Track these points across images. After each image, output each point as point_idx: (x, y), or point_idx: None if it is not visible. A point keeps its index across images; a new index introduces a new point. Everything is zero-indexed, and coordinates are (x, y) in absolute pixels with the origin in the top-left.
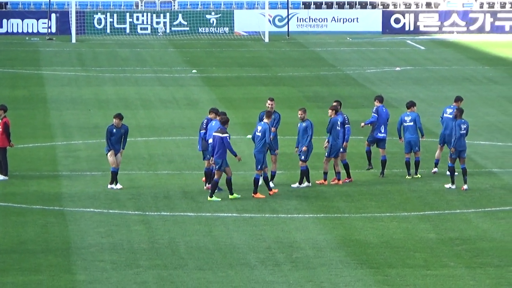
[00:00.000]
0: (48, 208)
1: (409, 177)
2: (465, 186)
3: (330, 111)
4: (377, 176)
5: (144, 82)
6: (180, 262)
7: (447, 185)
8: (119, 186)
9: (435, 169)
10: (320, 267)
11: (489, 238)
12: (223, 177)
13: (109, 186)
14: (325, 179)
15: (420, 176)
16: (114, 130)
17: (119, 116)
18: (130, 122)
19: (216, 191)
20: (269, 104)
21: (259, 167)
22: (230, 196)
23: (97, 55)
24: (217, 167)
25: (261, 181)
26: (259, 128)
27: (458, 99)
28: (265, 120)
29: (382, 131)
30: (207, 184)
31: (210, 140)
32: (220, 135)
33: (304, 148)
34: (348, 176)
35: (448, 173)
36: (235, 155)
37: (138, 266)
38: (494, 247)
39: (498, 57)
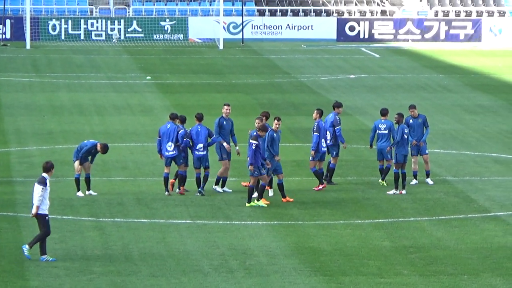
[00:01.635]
0: (1, 214)
1: (382, 182)
2: (403, 191)
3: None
4: (332, 184)
5: (99, 89)
6: (133, 268)
7: (391, 192)
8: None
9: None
10: (274, 274)
11: (443, 246)
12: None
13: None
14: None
15: (385, 184)
16: None
17: None
18: (84, 128)
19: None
20: (226, 110)
21: (279, 171)
22: (247, 204)
23: (52, 61)
24: (255, 173)
25: (272, 191)
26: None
27: (413, 107)
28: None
29: (324, 144)
30: (176, 189)
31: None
32: (254, 142)
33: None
34: (321, 182)
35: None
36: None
37: (92, 272)
38: (448, 255)
39: (452, 65)
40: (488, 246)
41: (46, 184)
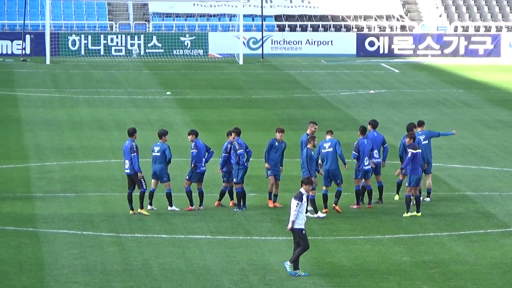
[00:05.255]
0: (21, 229)
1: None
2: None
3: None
4: (351, 199)
5: (118, 104)
6: (153, 284)
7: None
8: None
9: (427, 198)
10: None
11: (463, 261)
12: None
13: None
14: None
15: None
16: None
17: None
18: (103, 144)
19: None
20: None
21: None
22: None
23: (71, 76)
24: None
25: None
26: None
27: (422, 123)
28: (308, 146)
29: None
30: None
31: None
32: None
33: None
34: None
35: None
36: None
37: (112, 287)
38: (468, 270)
39: (472, 80)
40: (508, 261)
41: (302, 199)
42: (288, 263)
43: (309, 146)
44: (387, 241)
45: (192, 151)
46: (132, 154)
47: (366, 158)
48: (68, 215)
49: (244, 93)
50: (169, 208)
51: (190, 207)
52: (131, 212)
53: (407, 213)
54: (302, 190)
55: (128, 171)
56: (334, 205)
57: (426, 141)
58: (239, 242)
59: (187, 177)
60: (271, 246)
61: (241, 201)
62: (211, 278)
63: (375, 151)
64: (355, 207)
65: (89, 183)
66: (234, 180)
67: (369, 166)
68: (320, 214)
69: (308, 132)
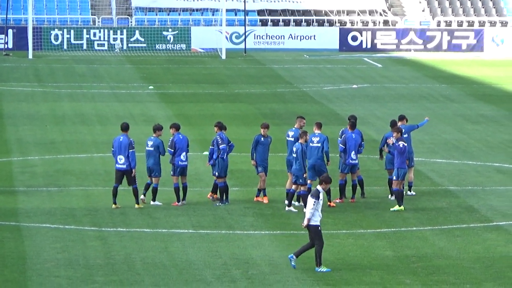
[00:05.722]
0: (3, 224)
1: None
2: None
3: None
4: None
5: (101, 98)
6: (136, 278)
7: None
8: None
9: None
10: (276, 284)
11: (445, 255)
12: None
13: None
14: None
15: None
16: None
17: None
18: (86, 138)
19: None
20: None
21: (300, 181)
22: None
23: (54, 71)
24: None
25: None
26: (294, 149)
27: (403, 118)
28: (300, 141)
29: (354, 157)
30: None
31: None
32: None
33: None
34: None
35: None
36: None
37: (94, 282)
38: (450, 264)
39: (454, 75)
40: (490, 256)
41: (318, 197)
42: (294, 256)
43: (301, 141)
44: (370, 235)
45: (221, 146)
46: (130, 150)
47: (353, 152)
48: (51, 209)
49: (226, 88)
50: (152, 203)
51: (176, 202)
52: (113, 206)
53: (399, 206)
54: (319, 188)
55: (124, 166)
56: (328, 202)
57: (406, 135)
58: (222, 236)
59: (172, 172)
60: (253, 241)
61: (224, 195)
62: (193, 272)
63: (353, 152)
64: (338, 201)
65: (71, 177)
66: (216, 174)
67: (356, 161)
68: (292, 209)
69: (296, 126)
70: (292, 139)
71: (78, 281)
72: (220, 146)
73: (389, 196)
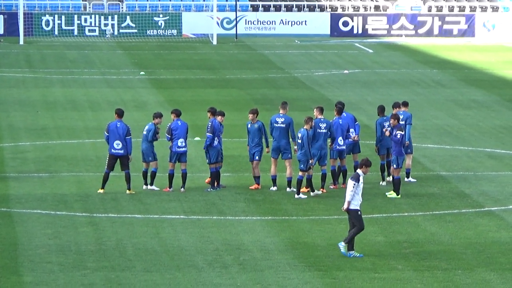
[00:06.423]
0: None
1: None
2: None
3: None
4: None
5: (92, 84)
6: (127, 264)
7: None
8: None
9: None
10: (268, 269)
11: (437, 241)
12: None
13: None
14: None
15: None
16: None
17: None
18: (77, 124)
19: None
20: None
21: (301, 166)
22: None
23: (45, 56)
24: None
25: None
26: (299, 135)
27: (406, 104)
28: (305, 127)
29: (341, 143)
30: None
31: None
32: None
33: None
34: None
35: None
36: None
37: (86, 268)
38: (442, 250)
39: (446, 60)
40: (482, 241)
41: (359, 180)
42: (343, 243)
43: (306, 127)
44: None
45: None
46: (127, 137)
47: (340, 138)
48: (42, 195)
49: (218, 73)
50: (149, 187)
51: (168, 188)
52: (100, 190)
53: (397, 195)
54: (359, 171)
55: (121, 151)
56: (321, 188)
57: (403, 122)
58: (213, 222)
59: (168, 158)
60: (245, 226)
61: (215, 181)
62: (185, 258)
63: (340, 138)
64: (331, 187)
65: (63, 163)
66: (207, 161)
67: (343, 146)
68: (302, 195)
69: (282, 112)
70: (283, 125)
71: (69, 267)
72: (207, 134)
73: (381, 182)
